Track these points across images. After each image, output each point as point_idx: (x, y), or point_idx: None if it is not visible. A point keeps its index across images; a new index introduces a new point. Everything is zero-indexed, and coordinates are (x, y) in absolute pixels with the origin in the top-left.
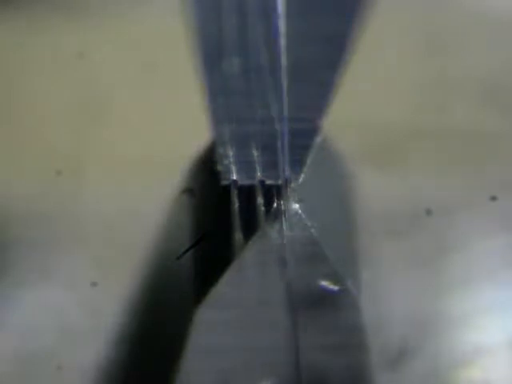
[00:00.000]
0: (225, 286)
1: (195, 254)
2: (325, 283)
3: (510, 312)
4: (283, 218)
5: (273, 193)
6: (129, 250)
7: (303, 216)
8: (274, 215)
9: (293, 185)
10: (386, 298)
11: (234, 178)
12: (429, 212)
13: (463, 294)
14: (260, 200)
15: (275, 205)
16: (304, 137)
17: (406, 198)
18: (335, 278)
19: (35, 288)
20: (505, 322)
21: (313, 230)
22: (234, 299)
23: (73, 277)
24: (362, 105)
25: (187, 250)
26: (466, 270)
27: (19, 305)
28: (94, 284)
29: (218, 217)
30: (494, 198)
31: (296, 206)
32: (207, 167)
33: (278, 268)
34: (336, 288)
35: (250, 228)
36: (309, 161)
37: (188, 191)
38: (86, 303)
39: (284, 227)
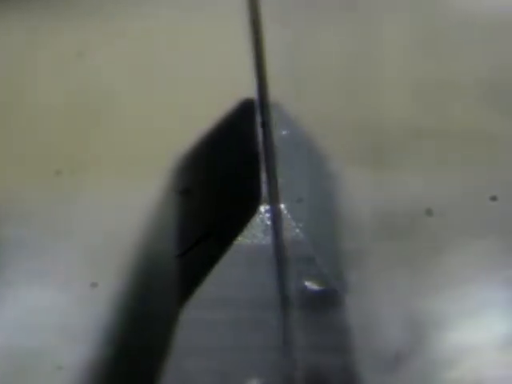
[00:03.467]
0: (210, 286)
1: (180, 253)
2: (310, 283)
3: (511, 312)
4: (269, 218)
5: (258, 192)
6: (129, 250)
7: (289, 216)
8: (260, 215)
9: (278, 185)
10: (385, 298)
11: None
12: (429, 212)
13: (463, 293)
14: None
15: (261, 204)
16: None
17: (406, 198)
18: (321, 278)
19: (35, 288)
20: (504, 321)
21: (298, 231)
22: (219, 299)
23: (73, 277)
24: (362, 105)
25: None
26: (466, 270)
27: (19, 304)
28: (93, 284)
29: (203, 217)
30: (493, 198)
31: (282, 206)
32: (194, 165)
33: (263, 268)
34: (322, 288)
35: (236, 228)
36: (294, 161)
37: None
38: (85, 303)
39: (270, 228)
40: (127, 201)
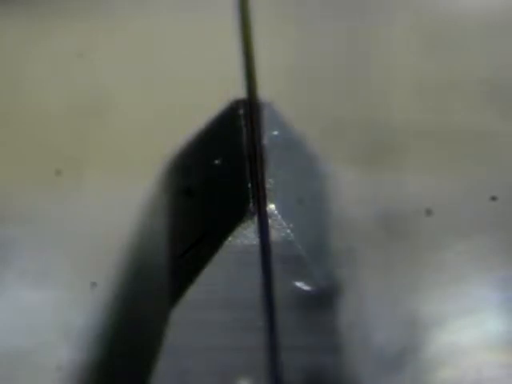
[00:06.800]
0: (201, 287)
1: (171, 254)
2: (301, 284)
3: (510, 311)
4: (259, 219)
5: (249, 193)
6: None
7: (279, 216)
8: (250, 216)
9: (269, 185)
10: (384, 298)
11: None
12: (429, 212)
13: (462, 293)
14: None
15: (251, 205)
16: None
17: (406, 198)
18: (311, 278)
19: (35, 288)
20: (504, 321)
21: (289, 231)
22: (210, 300)
23: (73, 277)
24: (362, 105)
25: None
26: (466, 269)
27: (19, 304)
28: (93, 284)
29: (196, 218)
30: (494, 198)
31: (272, 206)
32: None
33: (254, 269)
34: (312, 289)
35: (226, 228)
36: (284, 161)
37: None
38: (85, 303)
39: (260, 228)
40: (128, 201)
